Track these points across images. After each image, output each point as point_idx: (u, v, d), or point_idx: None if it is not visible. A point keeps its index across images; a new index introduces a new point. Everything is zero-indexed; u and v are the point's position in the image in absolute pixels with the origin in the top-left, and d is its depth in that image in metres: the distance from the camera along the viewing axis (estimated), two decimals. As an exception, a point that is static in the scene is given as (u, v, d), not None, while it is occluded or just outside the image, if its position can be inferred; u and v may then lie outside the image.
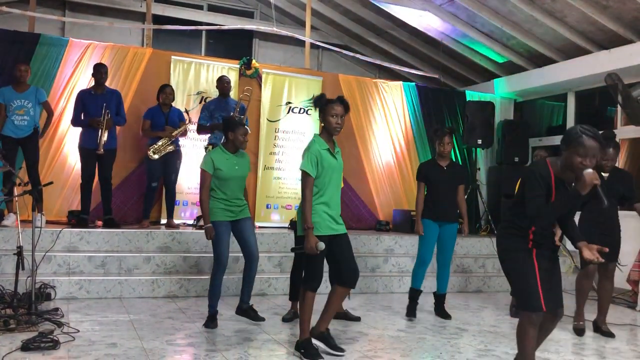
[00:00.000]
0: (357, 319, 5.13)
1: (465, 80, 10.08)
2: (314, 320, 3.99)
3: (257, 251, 4.80)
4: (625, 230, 5.16)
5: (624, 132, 7.75)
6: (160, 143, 6.72)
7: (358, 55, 9.53)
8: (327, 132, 3.95)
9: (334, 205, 3.97)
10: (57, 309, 4.71)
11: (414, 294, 5.37)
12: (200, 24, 9.40)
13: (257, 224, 6.83)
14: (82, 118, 6.44)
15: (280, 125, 8.12)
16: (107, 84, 6.65)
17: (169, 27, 8.43)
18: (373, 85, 8.76)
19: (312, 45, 9.08)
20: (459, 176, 5.46)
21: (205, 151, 6.98)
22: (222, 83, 7.04)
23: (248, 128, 4.75)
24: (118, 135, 6.75)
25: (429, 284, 5.86)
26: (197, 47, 9.95)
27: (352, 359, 3.95)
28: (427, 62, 10.05)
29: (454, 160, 5.44)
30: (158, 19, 9.02)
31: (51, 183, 5.31)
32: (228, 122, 4.76)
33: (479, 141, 8.72)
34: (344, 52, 9.43)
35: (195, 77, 7.69)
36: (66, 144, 7.01)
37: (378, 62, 9.62)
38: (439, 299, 5.48)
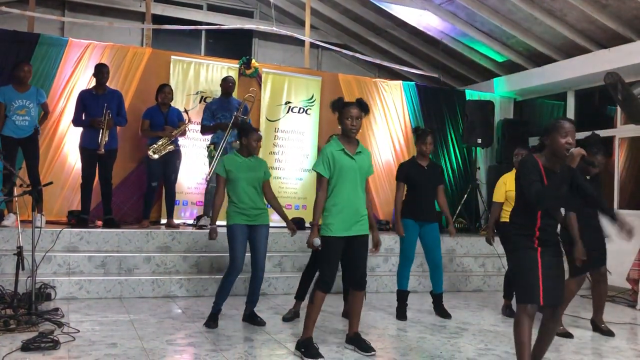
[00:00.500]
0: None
1: (465, 79, 10.08)
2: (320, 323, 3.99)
3: (264, 261, 4.78)
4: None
5: (624, 131, 7.75)
6: (160, 143, 6.72)
7: (358, 55, 9.53)
8: (344, 134, 4.04)
9: (351, 206, 3.98)
10: (57, 309, 4.71)
11: (402, 295, 5.35)
12: (200, 23, 9.40)
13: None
14: (83, 118, 6.45)
15: (279, 124, 8.12)
16: (106, 84, 6.64)
17: (168, 27, 8.43)
18: (373, 84, 8.76)
19: (312, 45, 9.08)
20: (438, 176, 5.44)
21: (207, 150, 6.99)
22: (227, 83, 7.06)
23: (260, 133, 4.79)
24: (118, 135, 6.74)
25: (428, 283, 5.85)
26: (197, 47, 9.95)
27: (353, 358, 3.95)
28: (426, 61, 10.05)
29: (432, 160, 5.44)
30: (157, 19, 9.02)
31: (51, 183, 5.30)
32: (242, 128, 4.88)
33: (479, 140, 8.71)
34: (344, 51, 9.43)
35: (195, 77, 7.69)
36: (66, 144, 7.01)
37: (378, 61, 9.62)
38: (437, 298, 5.47)
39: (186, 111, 7.14)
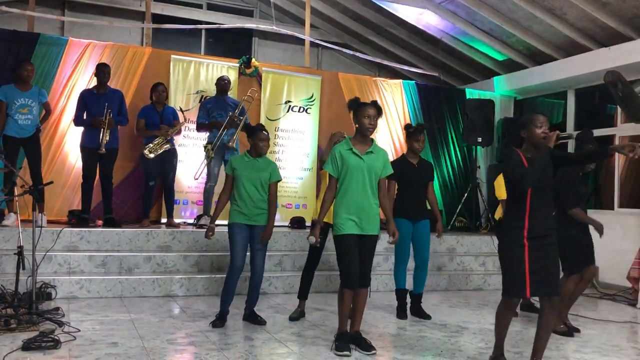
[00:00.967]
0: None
1: (465, 78, 10.08)
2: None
3: (262, 261, 4.77)
4: (625, 228, 5.16)
5: (624, 129, 7.75)
6: (155, 142, 6.71)
7: (358, 54, 9.53)
8: (360, 133, 4.11)
9: (358, 206, 4.03)
10: (57, 309, 4.71)
11: (401, 294, 5.34)
12: (200, 22, 9.40)
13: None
14: (85, 117, 6.44)
15: (280, 124, 8.12)
16: (107, 83, 6.64)
17: (168, 26, 8.43)
18: (373, 83, 8.76)
19: (312, 44, 9.08)
20: (428, 173, 5.42)
21: (205, 150, 6.99)
22: (221, 81, 7.09)
23: (267, 133, 4.79)
24: (118, 134, 6.74)
25: (428, 282, 5.85)
26: (197, 46, 9.94)
27: (354, 357, 3.96)
28: (426, 60, 10.05)
29: (422, 157, 5.41)
30: (157, 18, 9.02)
31: (51, 182, 5.31)
32: (248, 128, 4.92)
33: (479, 139, 8.71)
34: (344, 50, 9.43)
35: (195, 76, 7.69)
36: (66, 143, 7.02)
37: (378, 60, 9.62)
38: (416, 298, 5.38)
39: (182, 110, 7.13)
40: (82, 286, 5.50)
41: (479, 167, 9.10)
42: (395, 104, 8.80)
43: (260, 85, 8.04)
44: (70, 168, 7.02)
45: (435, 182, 8.00)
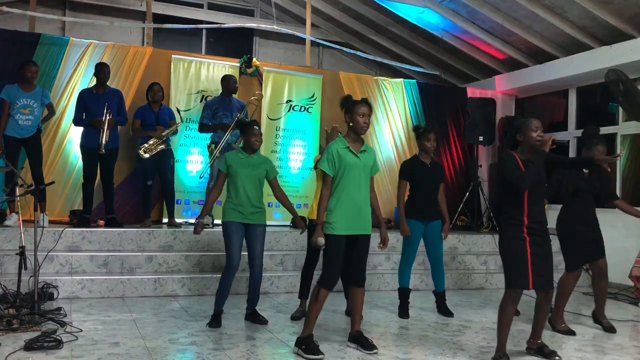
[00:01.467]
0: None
1: (466, 76, 10.07)
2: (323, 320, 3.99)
3: (260, 261, 4.75)
4: (627, 226, 5.15)
5: (626, 128, 7.74)
6: (151, 142, 6.71)
7: (359, 53, 9.52)
8: (354, 131, 4.06)
9: (354, 205, 3.99)
10: (59, 309, 4.72)
11: (404, 292, 5.35)
12: (201, 22, 9.40)
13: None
14: (84, 117, 6.45)
15: (281, 123, 8.12)
16: (107, 83, 6.64)
17: (169, 25, 8.43)
18: (374, 82, 8.76)
19: (313, 43, 9.07)
20: (441, 174, 5.44)
21: (208, 150, 6.99)
22: (228, 82, 7.02)
23: (259, 127, 4.78)
24: (119, 134, 6.74)
25: (430, 281, 5.84)
26: (198, 46, 9.95)
27: (355, 356, 3.96)
28: (427, 59, 10.04)
29: (434, 158, 5.43)
30: (158, 18, 9.03)
31: (52, 183, 5.32)
32: (239, 125, 4.92)
33: (480, 138, 8.70)
34: (345, 49, 9.42)
35: (196, 76, 7.69)
36: (67, 143, 7.03)
37: (379, 59, 9.61)
38: (439, 296, 5.46)
39: (179, 110, 7.12)
40: (84, 286, 5.51)
41: (480, 166, 9.09)
42: (396, 102, 8.80)
43: (261, 84, 8.04)
44: (72, 168, 7.02)
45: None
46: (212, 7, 10.06)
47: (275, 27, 8.77)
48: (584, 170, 4.82)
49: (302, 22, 9.40)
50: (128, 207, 7.21)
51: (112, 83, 6.80)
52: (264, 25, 9.18)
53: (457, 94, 9.26)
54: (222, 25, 8.99)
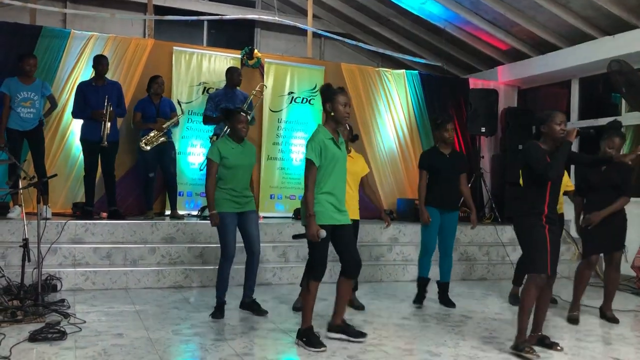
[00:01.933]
0: (361, 307, 5.15)
1: (469, 67, 10.03)
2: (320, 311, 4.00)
3: (259, 245, 4.80)
4: (630, 217, 5.14)
5: (629, 118, 7.71)
6: (152, 134, 6.72)
7: (361, 44, 9.49)
8: (334, 121, 3.99)
9: (338, 195, 3.98)
10: (63, 300, 4.75)
11: (423, 282, 5.41)
12: (202, 14, 9.36)
13: (260, 214, 6.85)
14: (84, 110, 6.44)
15: (283, 115, 8.11)
16: (109, 75, 6.63)
17: (170, 17, 8.41)
18: (376, 73, 8.73)
19: (315, 35, 9.04)
20: (461, 164, 5.48)
21: (210, 141, 6.99)
22: (233, 74, 7.01)
23: (244, 114, 4.74)
24: (120, 126, 6.74)
25: (433, 272, 5.86)
26: (199, 38, 9.92)
27: (357, 347, 3.97)
28: (430, 50, 9.99)
29: (455, 148, 5.46)
30: (159, 10, 9.00)
31: (55, 175, 5.33)
32: (226, 113, 4.88)
33: (483, 129, 8.68)
34: (347, 41, 9.39)
35: (197, 68, 7.67)
36: (70, 136, 7.02)
37: (381, 50, 9.58)
38: (442, 287, 5.50)
39: (179, 103, 7.10)
40: (87, 278, 5.53)
41: (483, 157, 9.06)
42: (398, 94, 8.77)
43: (263, 76, 8.02)
44: (74, 161, 7.02)
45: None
46: (213, -2, 10.03)
47: (276, 18, 8.73)
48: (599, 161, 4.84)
49: (304, 13, 9.36)
50: (130, 199, 7.22)
51: (113, 76, 6.79)
52: (265, 17, 9.15)
53: (460, 85, 9.23)
54: (224, 17, 8.95)
